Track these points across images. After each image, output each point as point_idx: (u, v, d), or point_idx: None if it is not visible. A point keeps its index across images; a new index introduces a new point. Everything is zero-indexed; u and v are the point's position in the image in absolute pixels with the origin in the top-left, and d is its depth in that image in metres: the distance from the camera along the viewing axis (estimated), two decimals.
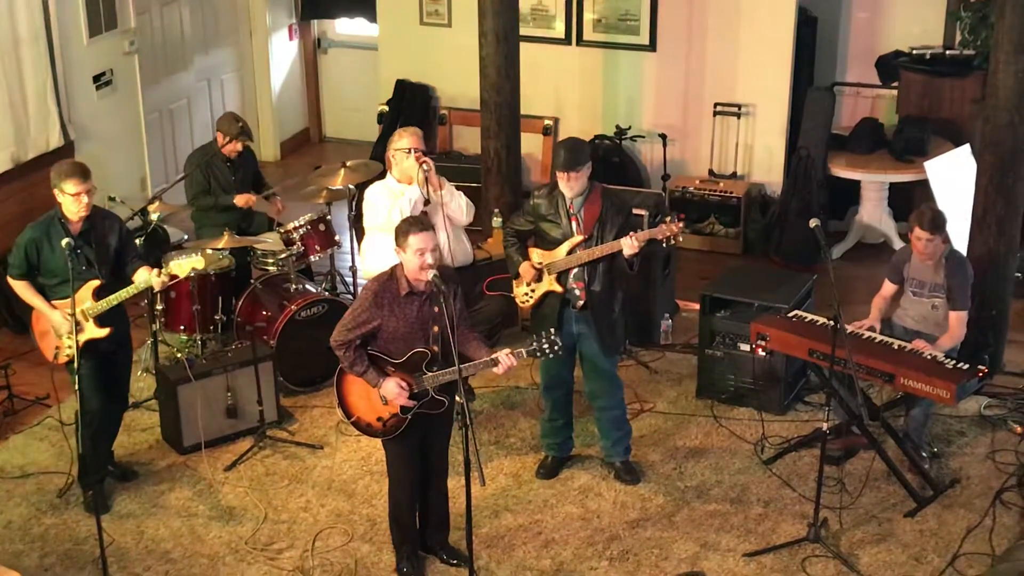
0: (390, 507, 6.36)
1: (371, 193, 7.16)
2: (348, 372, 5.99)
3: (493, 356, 5.87)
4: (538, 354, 5.92)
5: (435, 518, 6.43)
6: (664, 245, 6.67)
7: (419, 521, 6.40)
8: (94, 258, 6.57)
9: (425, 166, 6.98)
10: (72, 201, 6.42)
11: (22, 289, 6.63)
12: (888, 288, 7.27)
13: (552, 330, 5.96)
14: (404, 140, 7.05)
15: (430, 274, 5.74)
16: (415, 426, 6.03)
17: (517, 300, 6.96)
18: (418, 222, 5.90)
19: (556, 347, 5.90)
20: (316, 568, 6.43)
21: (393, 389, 5.88)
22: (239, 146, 8.48)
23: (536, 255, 6.78)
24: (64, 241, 6.23)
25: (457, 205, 7.14)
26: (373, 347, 5.94)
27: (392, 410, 5.97)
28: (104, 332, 6.57)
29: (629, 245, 6.47)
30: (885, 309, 7.26)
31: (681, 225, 6.59)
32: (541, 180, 10.76)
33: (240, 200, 8.47)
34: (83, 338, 6.46)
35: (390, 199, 7.02)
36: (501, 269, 7.65)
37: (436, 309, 5.81)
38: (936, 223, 6.91)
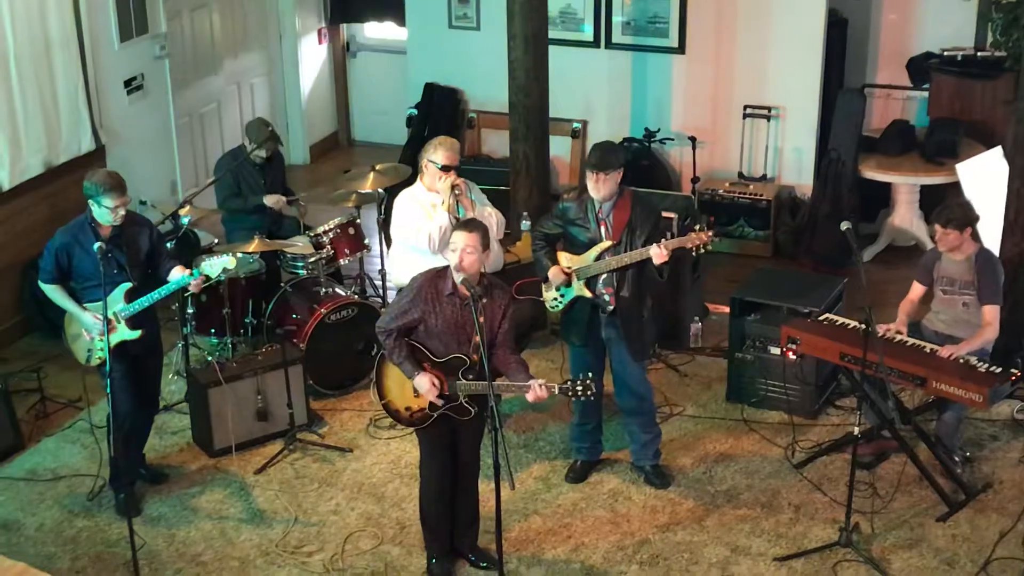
0: (421, 504, 6.38)
1: (400, 202, 7.14)
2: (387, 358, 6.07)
3: (525, 384, 5.89)
4: (569, 393, 5.91)
5: (464, 517, 6.44)
6: (695, 254, 6.64)
7: (449, 521, 6.42)
8: (125, 262, 6.61)
9: (456, 190, 6.96)
10: (108, 213, 6.45)
11: (54, 293, 6.66)
12: (916, 290, 7.22)
13: (591, 374, 5.93)
14: (439, 154, 6.98)
15: (459, 277, 5.77)
16: (441, 424, 6.09)
17: (546, 304, 6.95)
18: (466, 223, 5.97)
19: (590, 392, 5.89)
20: (346, 571, 6.45)
21: (425, 384, 5.94)
22: (263, 152, 8.52)
23: (564, 259, 6.76)
24: (96, 245, 6.27)
25: (488, 225, 7.12)
26: (414, 338, 6.00)
27: (421, 404, 6.04)
28: (136, 334, 6.60)
29: (658, 254, 6.44)
30: (913, 313, 7.21)
31: (711, 233, 6.55)
32: (570, 183, 10.76)
33: (270, 200, 8.51)
34: (115, 339, 6.50)
35: (421, 214, 6.98)
36: (530, 273, 7.65)
37: (482, 319, 5.82)
38: (947, 217, 6.89)
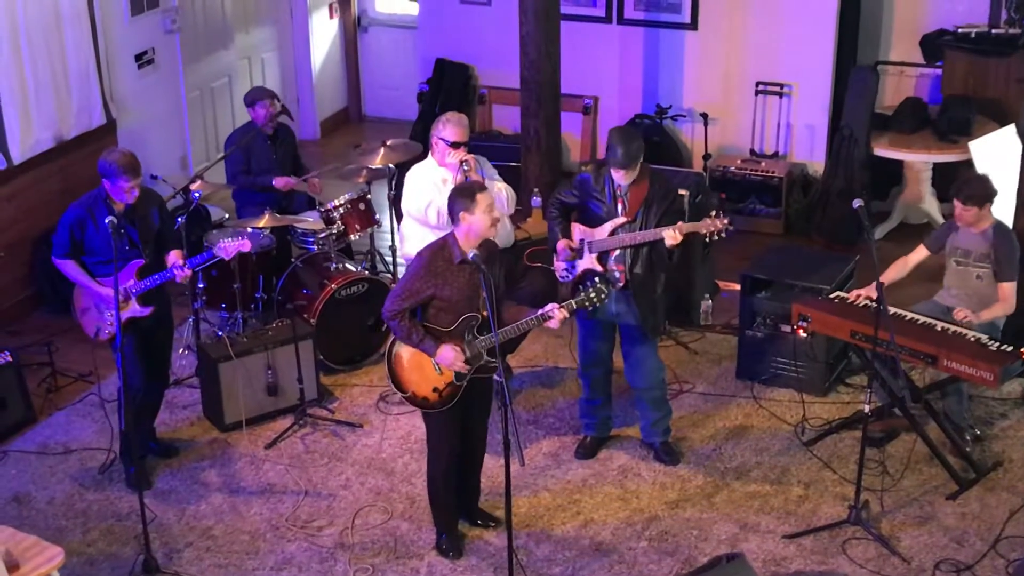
0: (429, 484, 6.38)
1: (412, 177, 7.13)
2: (403, 344, 6.01)
3: (544, 311, 5.89)
4: (587, 304, 5.94)
5: (473, 489, 6.51)
6: (708, 240, 6.61)
7: (457, 497, 6.45)
8: (138, 237, 6.61)
9: (465, 166, 6.94)
10: (122, 192, 6.46)
11: (69, 269, 6.66)
12: (919, 253, 7.21)
13: (597, 279, 5.94)
14: (448, 130, 6.96)
15: (471, 254, 5.77)
16: (464, 395, 6.06)
17: (556, 274, 6.93)
18: (478, 184, 6.00)
19: (604, 295, 5.92)
20: (356, 545, 6.47)
21: (449, 355, 5.90)
22: (276, 107, 8.51)
23: (578, 231, 6.74)
24: (108, 219, 6.27)
25: (499, 200, 7.11)
26: (423, 319, 5.97)
27: (447, 379, 6.00)
28: (147, 310, 6.61)
29: (672, 236, 6.41)
30: (903, 273, 7.18)
31: (727, 221, 6.49)
32: (581, 159, 10.75)
33: (279, 183, 8.50)
34: (126, 315, 6.51)
35: (432, 190, 6.97)
36: (540, 246, 7.64)
37: (494, 278, 5.84)
38: (967, 193, 6.90)
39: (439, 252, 5.92)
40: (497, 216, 5.84)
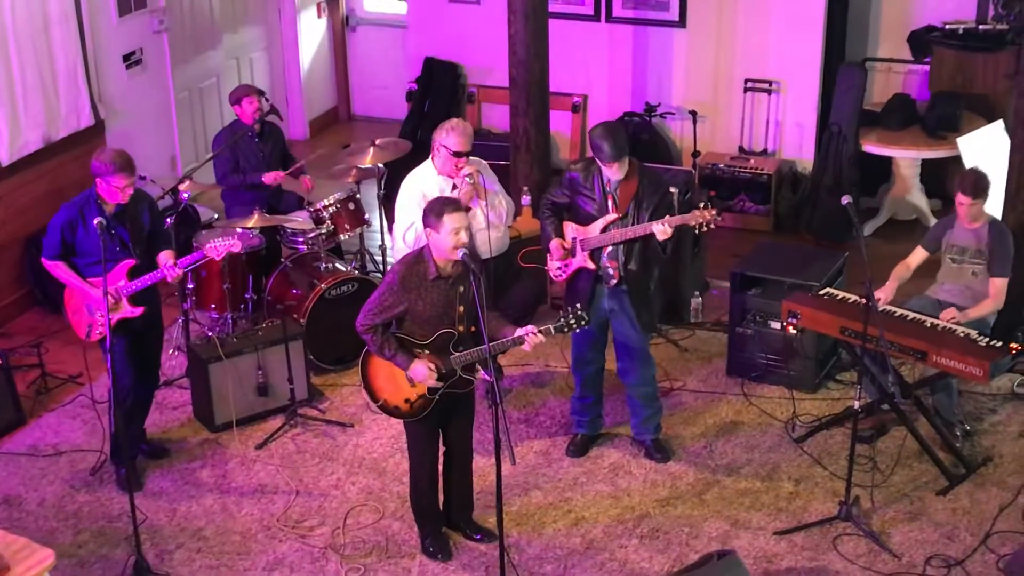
0: (411, 488, 6.37)
1: (406, 186, 7.07)
2: (376, 355, 5.99)
3: (519, 335, 5.86)
4: (565, 329, 5.91)
5: (458, 499, 6.47)
6: (697, 232, 6.61)
7: (443, 500, 6.43)
8: (128, 237, 6.60)
9: (470, 179, 6.93)
10: (117, 192, 6.44)
11: (59, 270, 6.64)
12: (917, 256, 7.23)
13: (579, 304, 5.94)
14: (452, 139, 6.91)
15: (461, 252, 5.73)
16: (439, 407, 6.05)
17: (551, 273, 6.93)
18: (452, 202, 5.88)
19: (583, 321, 5.89)
20: (347, 545, 6.47)
21: (422, 371, 5.88)
22: (263, 104, 8.49)
23: (571, 229, 6.74)
24: (96, 220, 6.25)
25: (497, 215, 7.11)
26: (399, 330, 5.94)
27: (419, 391, 5.98)
28: (138, 311, 6.60)
29: (661, 230, 6.41)
30: (904, 279, 7.20)
31: (715, 212, 6.48)
32: (571, 158, 10.75)
33: (268, 178, 8.49)
34: (116, 316, 6.50)
35: (418, 211, 6.87)
36: (531, 246, 7.63)
37: (461, 289, 5.81)
38: (977, 188, 6.92)
39: (414, 266, 5.85)
40: (464, 239, 5.74)
